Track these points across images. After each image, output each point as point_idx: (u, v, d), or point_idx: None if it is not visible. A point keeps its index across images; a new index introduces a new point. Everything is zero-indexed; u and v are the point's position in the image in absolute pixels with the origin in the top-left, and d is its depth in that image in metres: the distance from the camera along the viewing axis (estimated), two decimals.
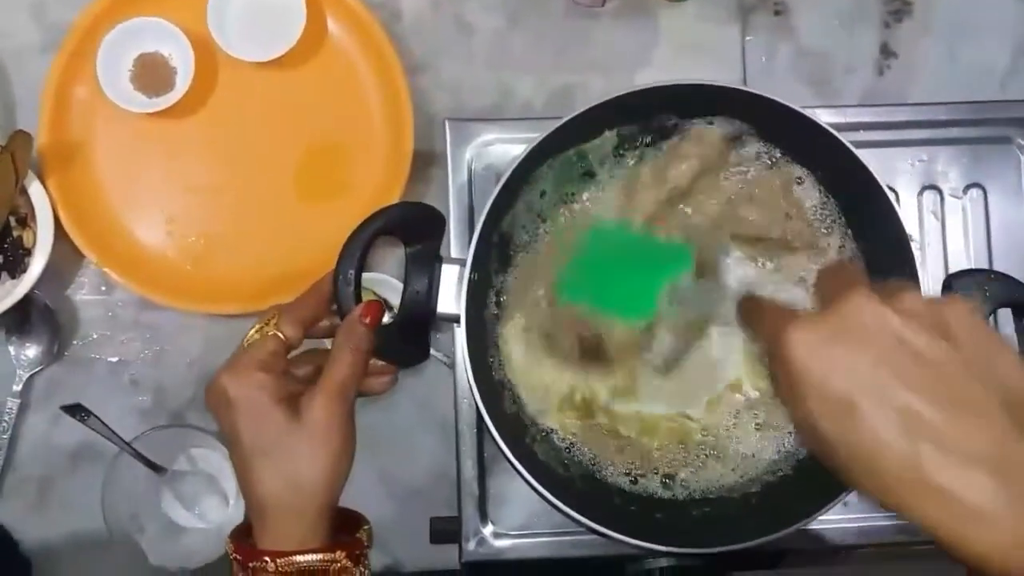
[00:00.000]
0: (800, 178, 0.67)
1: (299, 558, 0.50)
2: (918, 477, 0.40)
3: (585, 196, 0.68)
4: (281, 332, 0.55)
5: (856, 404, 0.41)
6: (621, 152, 0.68)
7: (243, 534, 0.54)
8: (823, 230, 0.67)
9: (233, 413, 0.52)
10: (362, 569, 0.53)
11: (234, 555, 0.52)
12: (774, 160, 0.67)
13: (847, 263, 0.48)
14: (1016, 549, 0.38)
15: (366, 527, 0.56)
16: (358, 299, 0.57)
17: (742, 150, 0.67)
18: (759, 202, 0.66)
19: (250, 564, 0.51)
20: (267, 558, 0.50)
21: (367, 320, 0.55)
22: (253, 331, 0.55)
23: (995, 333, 0.44)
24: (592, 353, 0.64)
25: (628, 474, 0.65)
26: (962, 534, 0.39)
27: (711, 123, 0.66)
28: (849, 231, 0.66)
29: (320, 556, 0.51)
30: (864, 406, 0.41)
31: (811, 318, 0.43)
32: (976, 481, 0.39)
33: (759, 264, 0.67)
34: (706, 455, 0.66)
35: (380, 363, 0.58)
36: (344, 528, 0.54)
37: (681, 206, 0.68)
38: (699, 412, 0.66)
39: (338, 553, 0.51)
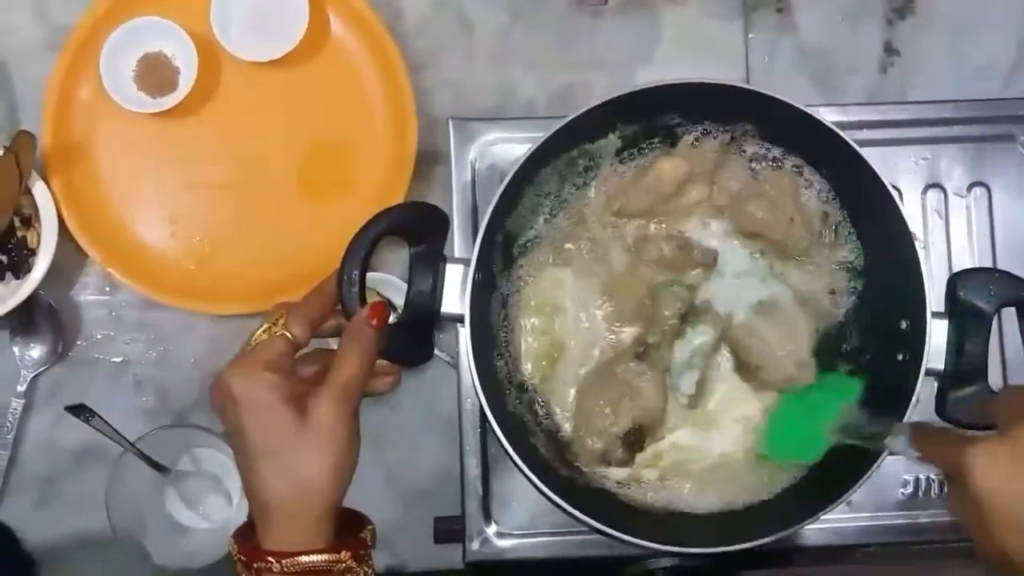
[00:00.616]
0: (809, 180, 0.67)
1: (304, 558, 0.50)
2: None
3: (589, 195, 0.68)
4: (289, 332, 0.55)
5: None
6: (625, 153, 0.67)
7: (246, 534, 0.54)
8: (825, 239, 0.67)
9: (239, 412, 0.52)
10: (366, 569, 0.53)
11: (238, 555, 0.52)
12: (777, 160, 0.67)
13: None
14: None
15: (370, 527, 0.56)
16: (362, 300, 0.57)
17: (743, 149, 0.67)
18: (769, 199, 0.66)
19: (255, 565, 0.51)
20: (272, 559, 0.50)
21: (373, 321, 0.55)
22: (260, 331, 0.55)
23: None
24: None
25: (633, 474, 0.65)
26: None
27: (707, 131, 0.66)
28: (853, 234, 0.67)
29: (325, 557, 0.51)
30: None
31: (993, 440, 0.45)
32: None
33: (752, 255, 0.67)
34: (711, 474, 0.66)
35: (384, 363, 0.58)
36: (348, 528, 0.54)
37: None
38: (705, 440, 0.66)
39: (343, 553, 0.52)
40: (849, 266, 0.67)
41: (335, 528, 0.53)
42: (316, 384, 0.54)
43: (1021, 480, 0.43)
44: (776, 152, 0.67)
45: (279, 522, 0.51)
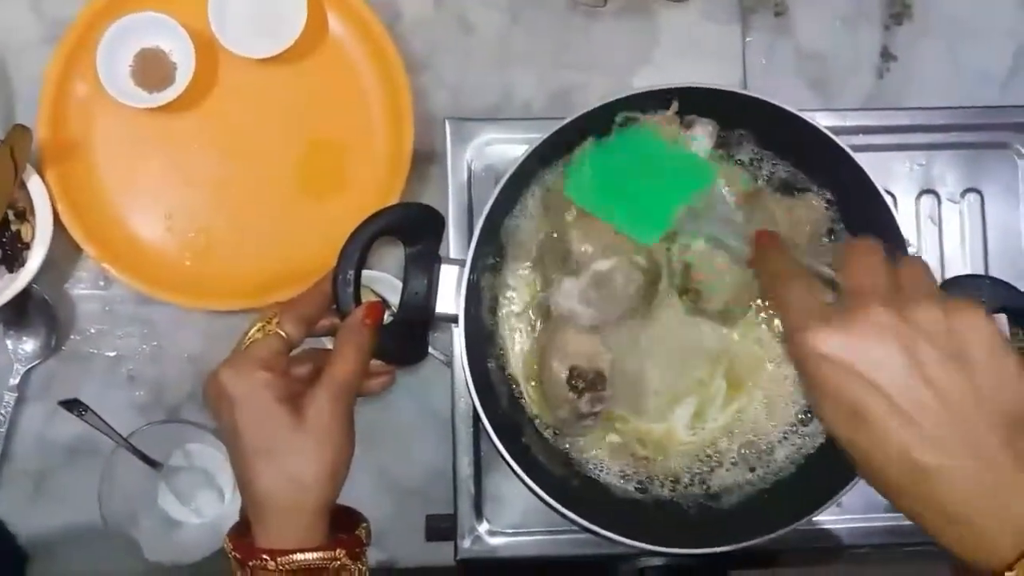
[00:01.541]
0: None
1: (299, 556, 0.51)
2: (921, 493, 0.43)
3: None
4: (283, 331, 0.55)
5: (866, 418, 0.43)
6: None
7: (241, 532, 0.54)
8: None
9: (234, 410, 0.52)
10: (360, 567, 0.53)
11: (233, 553, 0.52)
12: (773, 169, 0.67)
13: (873, 247, 0.47)
14: (995, 556, 0.42)
15: (364, 525, 0.56)
16: (357, 300, 0.57)
17: (738, 155, 0.67)
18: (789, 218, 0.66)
19: (249, 563, 0.51)
20: (266, 556, 0.51)
21: (368, 321, 0.56)
22: (255, 329, 0.55)
23: (1011, 354, 0.44)
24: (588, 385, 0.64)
25: (623, 474, 0.66)
26: (956, 540, 0.43)
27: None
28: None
29: (320, 554, 0.51)
30: (873, 422, 0.43)
31: (828, 326, 0.44)
32: (973, 503, 0.43)
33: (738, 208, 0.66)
34: (701, 462, 0.66)
35: (378, 363, 0.58)
36: (342, 526, 0.55)
37: None
38: (689, 421, 0.66)
39: (338, 551, 0.52)
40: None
41: (330, 526, 0.53)
42: (310, 383, 0.54)
43: (848, 363, 0.43)
44: (770, 156, 0.68)
45: (274, 520, 0.52)
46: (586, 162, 0.63)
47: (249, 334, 0.55)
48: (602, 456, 0.66)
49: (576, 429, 0.65)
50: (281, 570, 0.50)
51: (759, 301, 0.65)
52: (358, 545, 0.54)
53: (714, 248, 0.62)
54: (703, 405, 0.66)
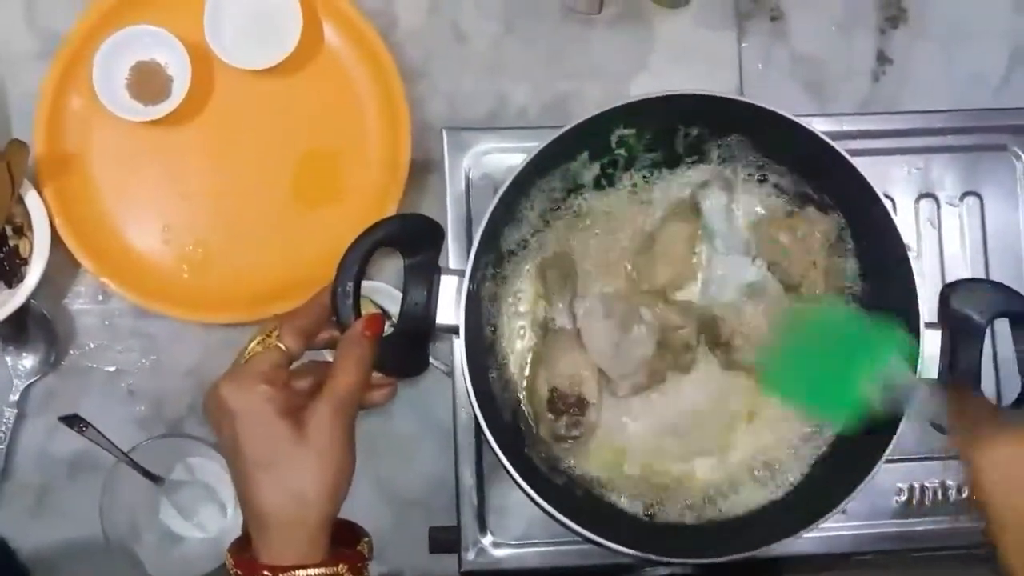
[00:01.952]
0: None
1: (301, 572, 0.50)
2: None
3: (582, 206, 0.68)
4: (283, 344, 0.55)
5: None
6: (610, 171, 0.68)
7: (242, 547, 0.54)
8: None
9: (235, 425, 0.52)
10: None
11: (234, 570, 0.52)
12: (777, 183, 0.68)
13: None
14: None
15: (366, 539, 0.56)
16: (357, 312, 0.57)
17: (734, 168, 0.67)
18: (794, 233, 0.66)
19: None
20: (268, 572, 0.50)
21: (368, 333, 0.55)
22: (255, 343, 0.55)
23: None
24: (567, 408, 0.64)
25: (632, 496, 0.65)
26: None
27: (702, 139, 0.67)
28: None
29: (322, 570, 0.51)
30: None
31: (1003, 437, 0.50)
32: None
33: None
34: (716, 490, 0.66)
35: (379, 376, 0.58)
36: (344, 540, 0.54)
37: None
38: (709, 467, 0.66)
39: (340, 566, 0.51)
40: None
41: (331, 540, 0.53)
42: (311, 397, 0.54)
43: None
44: (767, 163, 0.68)
45: (275, 536, 0.51)
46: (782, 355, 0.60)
47: (249, 348, 0.55)
48: (611, 481, 0.66)
49: (555, 450, 0.65)
50: None
51: None
52: (360, 560, 0.54)
53: (745, 297, 0.62)
54: (724, 452, 0.66)
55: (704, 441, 0.66)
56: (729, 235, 0.66)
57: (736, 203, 0.67)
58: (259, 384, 0.52)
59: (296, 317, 0.57)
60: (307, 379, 0.57)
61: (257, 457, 0.51)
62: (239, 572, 0.51)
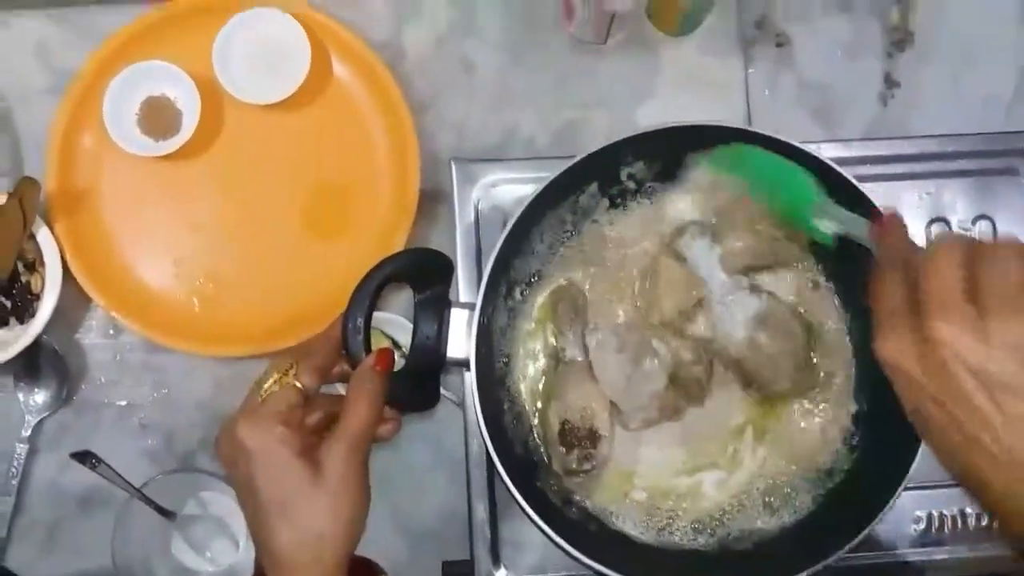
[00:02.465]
0: None
1: None
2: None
3: (592, 234, 0.68)
4: (299, 382, 0.55)
5: (927, 422, 0.46)
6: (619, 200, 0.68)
7: None
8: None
9: (251, 465, 0.52)
10: None
11: None
12: None
13: (954, 242, 0.46)
14: None
15: (383, 573, 0.55)
16: (368, 346, 0.57)
17: None
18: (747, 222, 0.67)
19: None
20: None
21: (380, 368, 0.55)
22: (271, 382, 0.55)
23: None
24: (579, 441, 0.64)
25: (644, 523, 0.65)
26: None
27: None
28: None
29: None
30: (934, 430, 0.46)
31: (894, 332, 0.46)
32: None
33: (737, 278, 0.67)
34: (725, 511, 0.65)
35: (386, 408, 0.58)
36: None
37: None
38: (716, 481, 0.66)
39: None
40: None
41: None
42: (322, 431, 0.54)
43: (925, 369, 0.45)
44: None
45: (292, 575, 0.51)
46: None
47: (266, 387, 0.55)
48: (621, 509, 0.65)
49: (566, 483, 0.64)
50: None
51: None
52: None
53: (755, 327, 0.63)
54: (732, 466, 0.66)
55: (710, 454, 0.66)
56: (721, 278, 0.66)
57: (718, 242, 0.67)
58: (277, 425, 0.52)
59: (311, 355, 0.57)
60: (318, 413, 0.57)
61: (273, 498, 0.51)
62: None
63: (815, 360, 0.66)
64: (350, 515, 0.52)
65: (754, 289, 0.65)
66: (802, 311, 0.67)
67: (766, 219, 0.65)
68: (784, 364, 0.64)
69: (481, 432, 0.59)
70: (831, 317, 0.67)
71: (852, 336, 0.67)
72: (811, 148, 0.63)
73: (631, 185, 0.67)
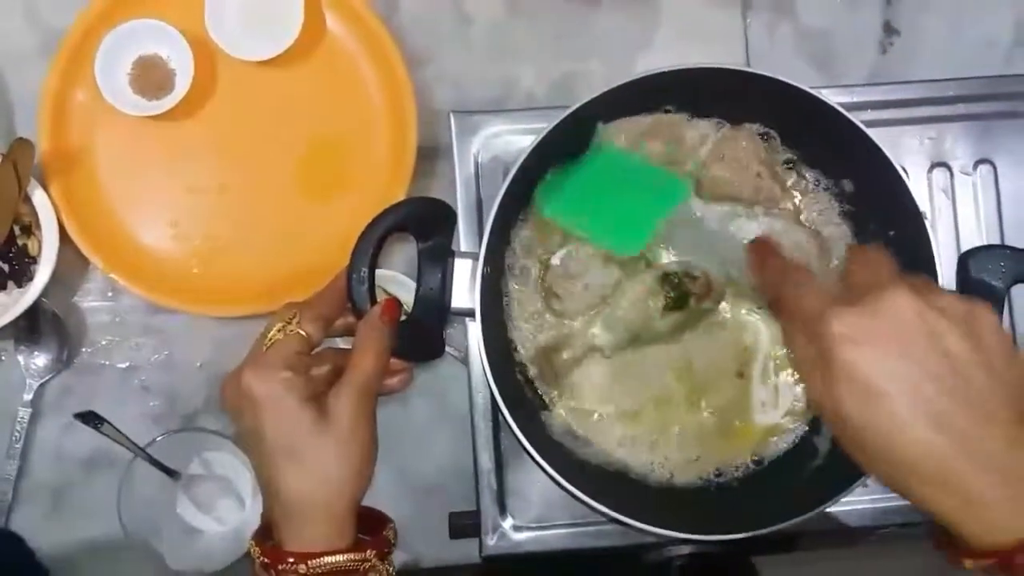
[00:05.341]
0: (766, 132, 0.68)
1: (328, 559, 0.50)
2: (934, 466, 0.44)
3: None
4: (303, 330, 0.54)
5: (885, 391, 0.44)
6: None
7: (265, 536, 0.53)
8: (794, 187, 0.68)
9: (259, 412, 0.51)
10: (388, 567, 0.53)
11: (260, 558, 0.52)
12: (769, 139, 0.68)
13: (880, 249, 0.51)
14: (1003, 534, 0.44)
15: (391, 525, 0.56)
16: (373, 298, 0.57)
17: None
18: (729, 159, 0.67)
19: (279, 566, 0.50)
20: (294, 560, 0.50)
21: (386, 318, 0.55)
22: (275, 330, 0.54)
23: (1012, 342, 0.48)
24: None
25: (649, 461, 0.65)
26: (962, 518, 0.45)
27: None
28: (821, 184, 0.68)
29: (350, 556, 0.51)
30: (893, 394, 0.44)
31: (851, 307, 0.46)
32: (985, 479, 0.43)
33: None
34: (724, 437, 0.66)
35: (395, 361, 0.57)
36: (369, 527, 0.54)
37: None
38: (715, 401, 0.66)
39: (368, 552, 0.51)
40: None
41: (357, 527, 0.53)
42: (330, 383, 0.54)
43: (870, 342, 0.45)
44: (774, 134, 0.67)
45: (302, 523, 0.51)
46: (562, 180, 0.64)
47: (269, 335, 0.54)
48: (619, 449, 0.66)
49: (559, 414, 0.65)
50: (311, 573, 0.50)
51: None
52: (386, 546, 0.53)
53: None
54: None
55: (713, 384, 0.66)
56: (717, 210, 0.66)
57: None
58: (282, 371, 0.52)
59: (315, 304, 0.57)
60: (326, 366, 0.57)
61: (281, 445, 0.51)
62: (266, 560, 0.51)
63: (833, 264, 0.66)
64: (358, 461, 0.52)
65: (750, 216, 0.65)
66: (805, 221, 0.67)
67: (756, 159, 0.65)
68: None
69: (487, 377, 0.60)
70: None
71: None
72: (816, 93, 0.62)
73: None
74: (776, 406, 0.66)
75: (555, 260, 0.65)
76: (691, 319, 0.65)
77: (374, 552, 0.52)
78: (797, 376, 0.65)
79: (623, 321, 0.64)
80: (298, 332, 0.54)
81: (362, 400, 0.53)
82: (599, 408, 0.66)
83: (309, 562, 0.50)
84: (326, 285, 0.58)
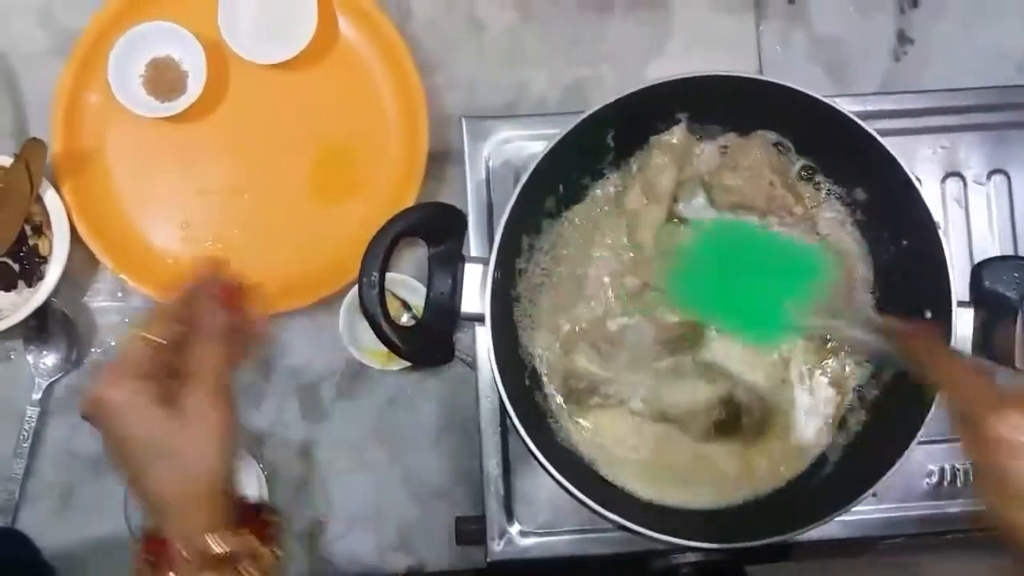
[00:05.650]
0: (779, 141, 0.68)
1: (211, 538, 0.52)
2: None
3: (606, 190, 0.68)
4: (155, 336, 0.55)
5: None
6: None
7: (148, 540, 0.54)
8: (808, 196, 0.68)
9: (115, 419, 0.53)
10: (274, 551, 0.54)
11: (145, 556, 0.53)
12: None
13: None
14: None
15: (273, 510, 0.57)
16: (383, 302, 0.57)
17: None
18: (743, 169, 0.67)
19: (164, 559, 0.52)
20: (181, 545, 0.51)
21: (218, 296, 0.56)
22: (127, 339, 0.55)
23: None
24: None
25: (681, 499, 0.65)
26: None
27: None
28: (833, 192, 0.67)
29: (229, 535, 0.52)
30: None
31: (1016, 413, 0.44)
32: None
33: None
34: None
35: (246, 324, 0.58)
36: (251, 517, 0.56)
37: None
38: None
39: (247, 535, 0.53)
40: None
41: (234, 514, 0.54)
42: (184, 378, 0.54)
43: None
44: (787, 144, 0.67)
45: (179, 515, 0.52)
46: (687, 266, 0.61)
47: (124, 345, 0.55)
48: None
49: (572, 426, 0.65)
50: (196, 560, 0.51)
51: None
52: (265, 527, 0.55)
53: None
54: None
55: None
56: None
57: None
58: (129, 380, 0.53)
59: (166, 307, 0.57)
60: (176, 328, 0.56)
61: (145, 447, 0.52)
62: (151, 557, 0.53)
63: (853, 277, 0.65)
64: (218, 447, 0.53)
65: (764, 227, 0.65)
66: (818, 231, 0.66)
67: (768, 168, 0.65)
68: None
69: (496, 382, 0.59)
70: None
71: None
72: (829, 101, 0.62)
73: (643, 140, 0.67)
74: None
75: (612, 325, 0.64)
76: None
77: (248, 529, 0.53)
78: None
79: (665, 406, 0.64)
80: (142, 336, 0.55)
81: (211, 388, 0.54)
82: (621, 453, 0.66)
83: (189, 549, 0.51)
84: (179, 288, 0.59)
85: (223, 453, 0.54)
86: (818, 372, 0.65)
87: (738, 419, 0.64)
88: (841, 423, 0.66)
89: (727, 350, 0.63)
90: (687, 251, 0.62)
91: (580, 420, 0.66)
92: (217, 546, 0.52)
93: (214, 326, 0.55)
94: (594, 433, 0.66)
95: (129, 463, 0.53)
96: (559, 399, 0.66)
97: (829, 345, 0.65)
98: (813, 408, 0.65)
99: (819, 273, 0.58)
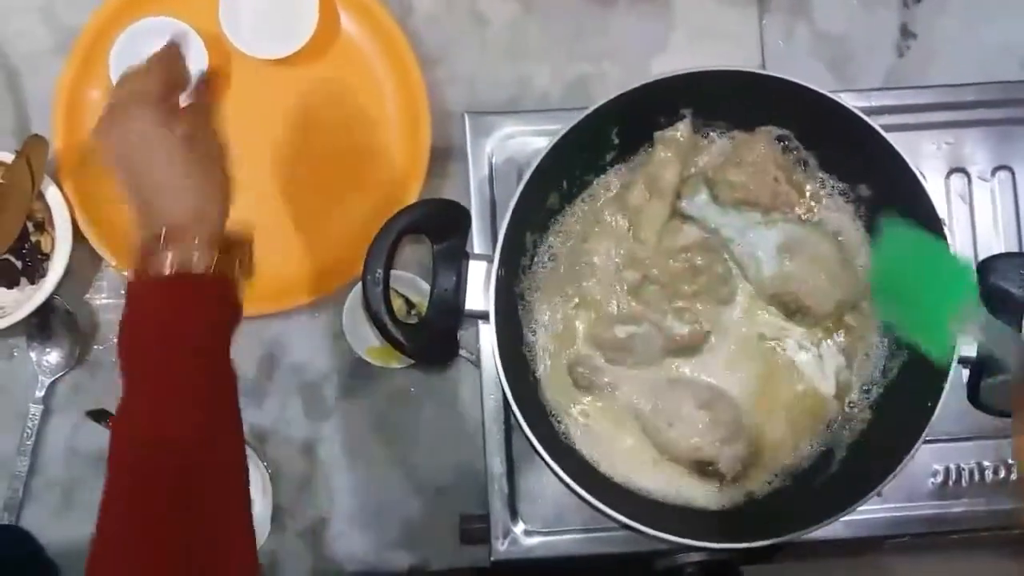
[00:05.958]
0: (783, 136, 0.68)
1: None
2: None
3: (609, 186, 0.68)
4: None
5: None
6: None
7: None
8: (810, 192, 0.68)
9: (153, 148, 0.56)
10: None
11: (132, 278, 0.57)
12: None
13: None
14: None
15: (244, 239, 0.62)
16: (387, 299, 0.57)
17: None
18: (747, 164, 0.67)
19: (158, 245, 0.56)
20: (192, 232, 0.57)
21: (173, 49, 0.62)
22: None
23: None
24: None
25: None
26: None
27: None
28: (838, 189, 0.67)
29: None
30: None
31: None
32: None
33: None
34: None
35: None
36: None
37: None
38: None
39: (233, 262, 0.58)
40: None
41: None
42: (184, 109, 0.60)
43: None
44: (791, 140, 0.67)
45: (182, 245, 0.56)
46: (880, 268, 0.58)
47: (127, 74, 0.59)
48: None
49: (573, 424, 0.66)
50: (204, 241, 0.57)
51: None
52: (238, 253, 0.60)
53: (784, 257, 0.63)
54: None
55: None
56: (735, 223, 0.65)
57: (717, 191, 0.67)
58: (157, 109, 0.57)
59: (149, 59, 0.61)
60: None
61: (169, 175, 0.57)
62: (133, 280, 0.56)
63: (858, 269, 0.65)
64: (224, 193, 0.60)
65: (769, 223, 0.64)
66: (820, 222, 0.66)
67: (773, 163, 0.65)
68: (823, 284, 0.63)
69: (500, 380, 0.59)
70: None
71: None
72: (833, 97, 0.62)
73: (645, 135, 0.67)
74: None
75: (620, 332, 0.65)
76: None
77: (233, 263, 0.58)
78: None
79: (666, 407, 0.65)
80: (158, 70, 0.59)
81: (208, 119, 0.60)
82: (623, 452, 0.66)
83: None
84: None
85: (226, 198, 0.59)
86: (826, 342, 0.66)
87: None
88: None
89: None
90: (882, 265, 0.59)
91: (583, 419, 0.66)
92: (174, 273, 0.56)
93: (163, 55, 0.61)
94: (597, 432, 0.65)
95: (141, 189, 0.57)
96: (563, 397, 0.66)
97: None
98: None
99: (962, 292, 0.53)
